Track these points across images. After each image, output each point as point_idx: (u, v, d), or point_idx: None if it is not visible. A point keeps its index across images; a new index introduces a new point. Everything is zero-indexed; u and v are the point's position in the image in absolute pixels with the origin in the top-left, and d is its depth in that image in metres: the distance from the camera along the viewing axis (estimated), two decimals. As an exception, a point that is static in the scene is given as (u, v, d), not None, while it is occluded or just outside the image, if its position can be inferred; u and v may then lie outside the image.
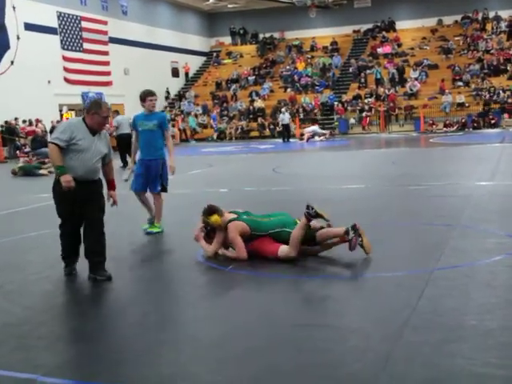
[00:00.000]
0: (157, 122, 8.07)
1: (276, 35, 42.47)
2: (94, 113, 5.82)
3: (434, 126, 30.49)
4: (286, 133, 29.90)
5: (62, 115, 29.24)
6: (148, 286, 5.74)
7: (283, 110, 31.00)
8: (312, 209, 6.13)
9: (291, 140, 29.80)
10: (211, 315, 4.88)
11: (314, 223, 6.24)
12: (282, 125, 30.22)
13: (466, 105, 31.47)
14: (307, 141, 28.27)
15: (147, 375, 3.71)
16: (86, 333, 4.56)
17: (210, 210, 6.48)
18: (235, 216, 6.50)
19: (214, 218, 6.42)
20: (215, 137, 33.79)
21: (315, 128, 29.45)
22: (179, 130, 34.33)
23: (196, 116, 35.71)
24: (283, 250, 6.18)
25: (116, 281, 5.93)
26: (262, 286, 5.64)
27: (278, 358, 3.86)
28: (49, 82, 28.21)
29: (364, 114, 32.34)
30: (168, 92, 38.91)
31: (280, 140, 30.28)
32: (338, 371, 3.64)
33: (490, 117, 30.16)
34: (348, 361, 3.78)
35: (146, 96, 8.18)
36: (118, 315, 4.91)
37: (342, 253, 6.26)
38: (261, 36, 42.45)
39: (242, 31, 43.05)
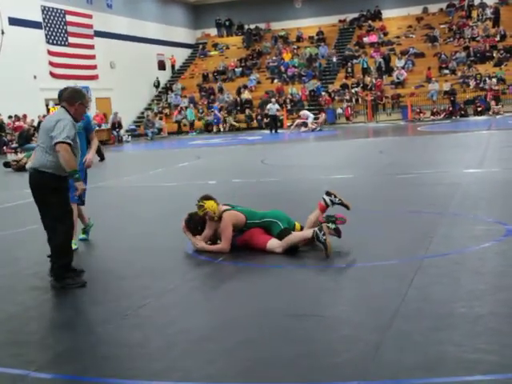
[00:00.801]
0: (83, 124, 6.93)
1: (262, 26, 42.36)
2: (80, 103, 5.70)
3: (421, 115, 30.55)
4: (273, 124, 29.84)
5: (48, 110, 29.05)
6: (138, 279, 5.73)
7: (273, 100, 30.94)
8: (335, 197, 6.29)
9: (279, 131, 29.74)
10: (202, 308, 4.89)
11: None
12: (270, 116, 30.14)
13: (454, 92, 31.50)
14: (293, 128, 28.28)
15: (138, 369, 3.71)
16: (76, 327, 4.55)
17: (207, 196, 6.52)
18: (229, 207, 6.53)
19: (211, 204, 6.44)
20: (225, 128, 33.23)
21: (310, 114, 29.18)
22: (176, 122, 34.13)
23: (185, 108, 35.53)
24: (272, 244, 6.21)
25: (106, 275, 5.92)
26: (253, 277, 5.65)
27: (269, 350, 3.87)
28: (34, 76, 28.02)
29: (345, 105, 32.30)
30: (158, 81, 38.86)
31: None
32: (329, 361, 3.65)
33: (477, 104, 30.26)
34: (339, 350, 3.79)
35: None
36: (108, 309, 4.90)
37: (332, 242, 6.28)
38: (246, 27, 42.33)
39: (227, 23, 42.89)
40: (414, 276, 5.10)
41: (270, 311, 4.58)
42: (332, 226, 6.15)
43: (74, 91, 5.82)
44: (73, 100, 5.67)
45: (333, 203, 6.47)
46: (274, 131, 29.45)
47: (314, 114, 30.35)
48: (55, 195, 5.56)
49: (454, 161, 13.21)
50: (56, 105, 29.67)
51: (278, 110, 30.41)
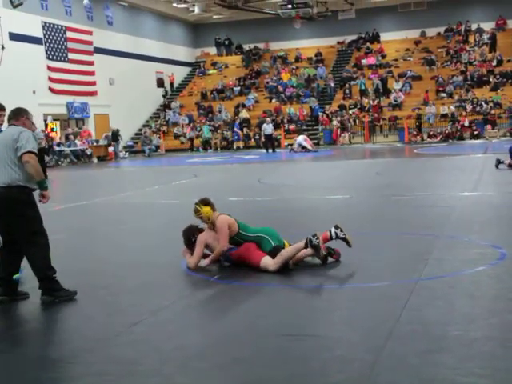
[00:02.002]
0: None
1: (261, 46, 42.64)
2: (26, 117, 5.81)
3: (417, 137, 30.70)
4: (269, 143, 29.88)
5: (46, 125, 29.12)
6: (133, 296, 5.73)
7: (268, 120, 31.05)
8: (341, 231, 6.45)
9: (276, 150, 29.77)
10: (197, 325, 4.89)
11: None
12: (265, 135, 30.21)
13: (450, 116, 31.73)
14: (295, 151, 28.11)
15: (132, 386, 3.71)
16: (71, 343, 4.54)
17: (206, 201, 6.62)
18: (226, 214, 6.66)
19: (207, 210, 6.55)
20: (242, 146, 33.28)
21: (300, 140, 28.83)
22: (190, 139, 34.05)
23: (182, 126, 35.59)
24: (265, 262, 6.21)
25: (101, 291, 5.92)
26: (247, 295, 5.66)
27: (263, 368, 3.87)
28: (34, 92, 28.09)
29: (335, 126, 32.35)
30: (166, 91, 39.71)
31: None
32: (324, 381, 3.66)
33: (473, 128, 30.44)
34: (333, 371, 3.80)
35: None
36: (103, 326, 4.90)
37: (328, 262, 6.31)
38: (246, 47, 42.60)
39: (227, 42, 43.15)
40: (408, 298, 5.11)
41: (265, 330, 4.59)
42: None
43: (17, 108, 5.90)
44: (19, 115, 5.77)
45: (337, 237, 6.48)
46: (270, 150, 29.46)
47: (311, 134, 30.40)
48: (33, 208, 5.57)
49: (450, 183, 13.26)
50: (55, 120, 29.82)
51: (272, 130, 30.39)
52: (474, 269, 5.98)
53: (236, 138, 33.39)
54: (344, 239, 6.51)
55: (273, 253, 6.25)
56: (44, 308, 5.49)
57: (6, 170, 5.48)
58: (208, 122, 35.28)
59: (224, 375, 3.82)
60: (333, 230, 6.50)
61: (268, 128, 29.91)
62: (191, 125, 35.28)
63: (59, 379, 3.91)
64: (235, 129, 33.54)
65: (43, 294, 5.61)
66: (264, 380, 3.71)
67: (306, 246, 6.12)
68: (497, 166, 15.19)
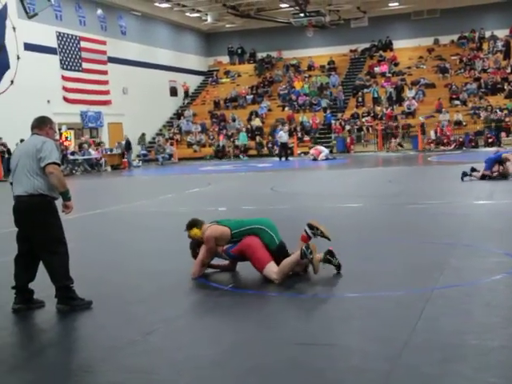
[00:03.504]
0: None
1: (274, 54, 42.72)
2: (50, 127, 5.85)
3: (431, 145, 30.58)
4: (283, 151, 29.87)
5: (61, 134, 29.30)
6: (147, 304, 5.73)
7: (285, 128, 31.02)
8: (317, 229, 6.24)
9: (290, 158, 29.75)
10: (211, 334, 4.87)
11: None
12: (281, 143, 30.17)
13: (464, 123, 31.61)
14: (316, 159, 28.04)
15: (147, 395, 3.70)
16: (85, 352, 4.54)
17: (190, 224, 6.65)
18: (213, 223, 6.61)
19: (194, 232, 6.61)
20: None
21: (325, 150, 28.66)
22: (221, 146, 34.01)
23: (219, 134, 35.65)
24: (269, 269, 6.16)
25: (115, 300, 5.92)
26: (261, 304, 5.63)
27: (278, 378, 3.85)
28: (48, 101, 28.29)
29: (348, 136, 32.36)
30: (187, 94, 40.32)
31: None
32: (339, 391, 3.63)
33: (488, 135, 30.27)
34: (348, 380, 3.77)
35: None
36: (117, 335, 4.89)
37: (343, 271, 6.28)
38: (259, 55, 42.71)
39: (239, 51, 43.31)
40: (424, 307, 5.07)
41: (279, 339, 4.56)
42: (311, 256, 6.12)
43: (42, 117, 5.94)
44: (42, 125, 5.80)
45: (315, 235, 6.39)
46: (284, 159, 29.40)
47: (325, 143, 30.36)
48: (54, 217, 5.59)
49: (465, 192, 13.18)
50: (69, 129, 30.00)
51: (288, 138, 30.40)
52: (491, 277, 5.93)
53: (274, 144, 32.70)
54: (322, 235, 6.38)
55: (277, 253, 6.24)
56: (59, 317, 5.50)
57: (28, 179, 5.50)
58: (223, 130, 35.38)
59: (239, 385, 3.80)
60: (308, 230, 6.39)
61: (284, 136, 29.83)
62: (224, 132, 34.98)
63: (74, 388, 3.91)
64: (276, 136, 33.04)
65: (59, 303, 5.62)
66: (279, 390, 3.69)
67: (301, 258, 6.10)
68: (462, 179, 14.76)
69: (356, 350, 4.28)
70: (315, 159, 27.82)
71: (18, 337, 5.17)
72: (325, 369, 3.96)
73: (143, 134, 33.22)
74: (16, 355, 4.67)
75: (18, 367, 4.35)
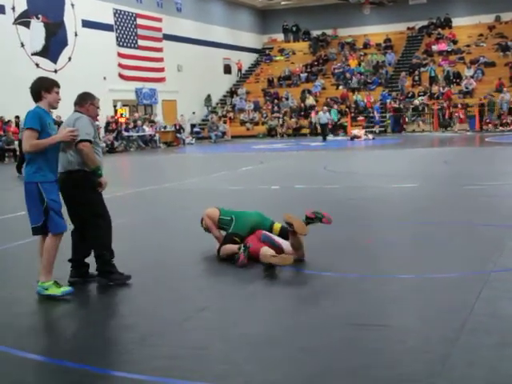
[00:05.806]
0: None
1: (329, 32, 42.20)
2: (91, 103, 5.85)
3: (489, 125, 29.82)
4: (324, 132, 29.56)
5: (116, 111, 29.70)
6: (199, 281, 5.78)
7: (325, 108, 30.75)
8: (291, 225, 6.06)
9: (328, 139, 29.32)
10: (263, 313, 4.86)
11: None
12: (320, 124, 29.91)
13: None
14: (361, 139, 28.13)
15: (203, 371, 3.71)
16: (139, 328, 4.60)
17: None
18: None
19: (204, 223, 6.92)
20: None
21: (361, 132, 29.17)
22: (311, 123, 33.24)
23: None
24: (265, 252, 6.05)
25: (168, 276, 5.97)
26: (315, 284, 5.59)
27: (333, 359, 3.82)
28: (104, 78, 28.66)
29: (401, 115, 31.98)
30: (209, 98, 37.71)
31: (330, 137, 30.00)
32: (395, 372, 3.57)
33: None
34: (405, 362, 3.71)
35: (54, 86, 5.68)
36: (171, 311, 4.94)
37: (399, 252, 6.19)
38: (313, 33, 42.27)
39: (294, 28, 42.93)
40: (481, 289, 4.96)
41: (333, 320, 4.53)
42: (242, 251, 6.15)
43: (83, 93, 5.96)
44: (83, 101, 5.83)
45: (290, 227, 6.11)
46: (324, 139, 29.06)
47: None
48: (94, 192, 5.64)
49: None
50: (124, 105, 30.36)
51: (328, 119, 30.17)
52: (552, 261, 5.76)
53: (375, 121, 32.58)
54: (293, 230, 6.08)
55: (224, 240, 6.47)
56: (113, 290, 5.57)
57: (64, 155, 5.57)
58: (276, 109, 35.16)
59: (292, 364, 3.78)
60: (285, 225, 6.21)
61: (323, 117, 29.58)
62: (315, 109, 33.52)
63: (130, 362, 3.95)
64: (375, 112, 32.75)
65: (98, 275, 5.74)
66: (333, 370, 3.65)
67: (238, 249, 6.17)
68: None
69: (412, 331, 4.22)
70: (355, 138, 28.11)
71: (72, 308, 5.26)
72: (380, 350, 3.91)
73: (209, 96, 32.73)
74: (78, 327, 4.76)
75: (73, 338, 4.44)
